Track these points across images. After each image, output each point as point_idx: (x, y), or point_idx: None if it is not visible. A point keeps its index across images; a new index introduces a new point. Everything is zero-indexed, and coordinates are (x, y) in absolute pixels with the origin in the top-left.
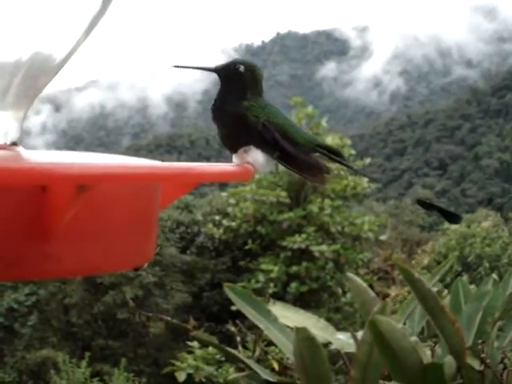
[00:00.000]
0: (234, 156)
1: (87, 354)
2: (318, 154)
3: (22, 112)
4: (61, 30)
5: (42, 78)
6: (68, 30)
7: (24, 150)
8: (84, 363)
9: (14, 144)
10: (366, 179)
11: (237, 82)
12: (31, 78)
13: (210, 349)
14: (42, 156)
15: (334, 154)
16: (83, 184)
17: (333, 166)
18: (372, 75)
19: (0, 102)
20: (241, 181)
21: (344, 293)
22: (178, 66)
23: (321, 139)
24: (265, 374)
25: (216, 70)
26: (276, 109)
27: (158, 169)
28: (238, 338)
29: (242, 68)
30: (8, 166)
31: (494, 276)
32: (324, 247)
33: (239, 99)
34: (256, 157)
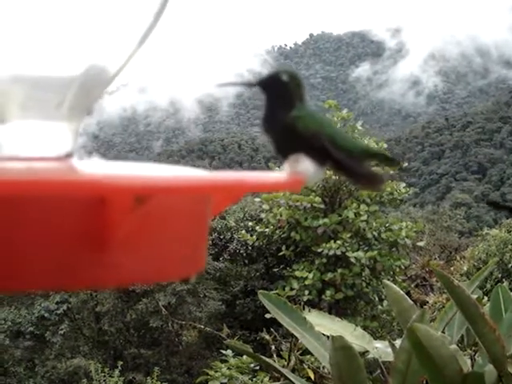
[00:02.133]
0: (285, 163)
1: (119, 362)
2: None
3: (76, 124)
4: (115, 43)
5: (96, 90)
6: (122, 43)
7: (78, 161)
8: (116, 372)
9: (69, 155)
10: (403, 184)
11: (282, 93)
12: (85, 91)
13: (245, 357)
14: (98, 167)
15: (386, 160)
16: (141, 196)
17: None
18: (408, 77)
19: (55, 114)
20: (291, 191)
21: (381, 300)
22: (221, 85)
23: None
24: None
25: (259, 84)
26: (323, 116)
27: (212, 181)
28: (273, 347)
29: (285, 77)
30: (68, 179)
31: None
32: (360, 253)
33: (287, 109)
34: (306, 166)
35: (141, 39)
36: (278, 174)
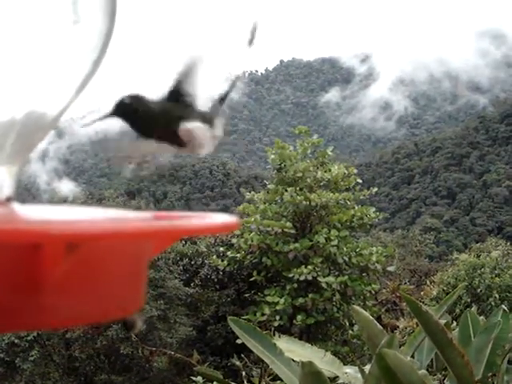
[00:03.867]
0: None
1: None
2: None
3: (15, 167)
4: (53, 90)
5: (36, 134)
6: (61, 89)
7: (18, 205)
8: None
9: (8, 199)
10: (373, 209)
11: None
12: (25, 136)
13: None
14: (35, 213)
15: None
16: (72, 243)
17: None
18: (378, 102)
19: None
20: (226, 232)
21: (351, 325)
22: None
23: None
24: None
25: (115, 114)
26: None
27: (143, 227)
28: (244, 373)
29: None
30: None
31: (504, 307)
32: (331, 278)
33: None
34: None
35: (80, 85)
36: (212, 218)
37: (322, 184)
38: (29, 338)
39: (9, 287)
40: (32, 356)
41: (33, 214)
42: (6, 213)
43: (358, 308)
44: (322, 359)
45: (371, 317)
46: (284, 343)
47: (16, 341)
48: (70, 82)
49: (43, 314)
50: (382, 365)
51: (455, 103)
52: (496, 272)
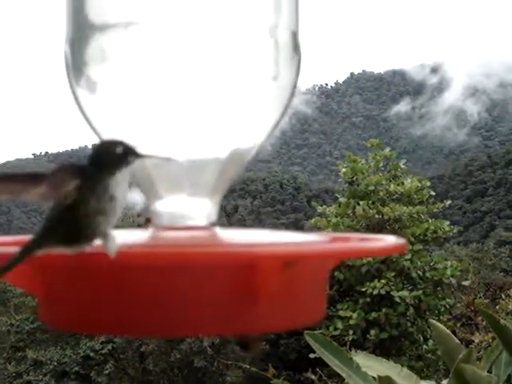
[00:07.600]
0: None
1: None
2: None
3: (218, 197)
4: (253, 131)
5: (237, 169)
6: (258, 130)
7: (220, 229)
8: None
9: (213, 224)
10: (447, 222)
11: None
12: (227, 171)
13: None
14: (240, 236)
15: None
16: (289, 261)
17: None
18: (449, 113)
19: (202, 190)
20: (396, 254)
21: (425, 340)
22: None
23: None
24: None
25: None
26: None
27: (336, 249)
28: None
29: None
30: (226, 250)
31: None
32: (405, 293)
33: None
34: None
35: (272, 127)
36: (382, 241)
37: (394, 197)
38: (104, 352)
39: (230, 298)
40: (107, 369)
41: (240, 238)
42: (215, 237)
43: (434, 322)
44: (398, 374)
45: (448, 331)
46: (360, 358)
47: (91, 354)
48: (267, 124)
49: (257, 321)
50: (460, 379)
51: None
52: None
